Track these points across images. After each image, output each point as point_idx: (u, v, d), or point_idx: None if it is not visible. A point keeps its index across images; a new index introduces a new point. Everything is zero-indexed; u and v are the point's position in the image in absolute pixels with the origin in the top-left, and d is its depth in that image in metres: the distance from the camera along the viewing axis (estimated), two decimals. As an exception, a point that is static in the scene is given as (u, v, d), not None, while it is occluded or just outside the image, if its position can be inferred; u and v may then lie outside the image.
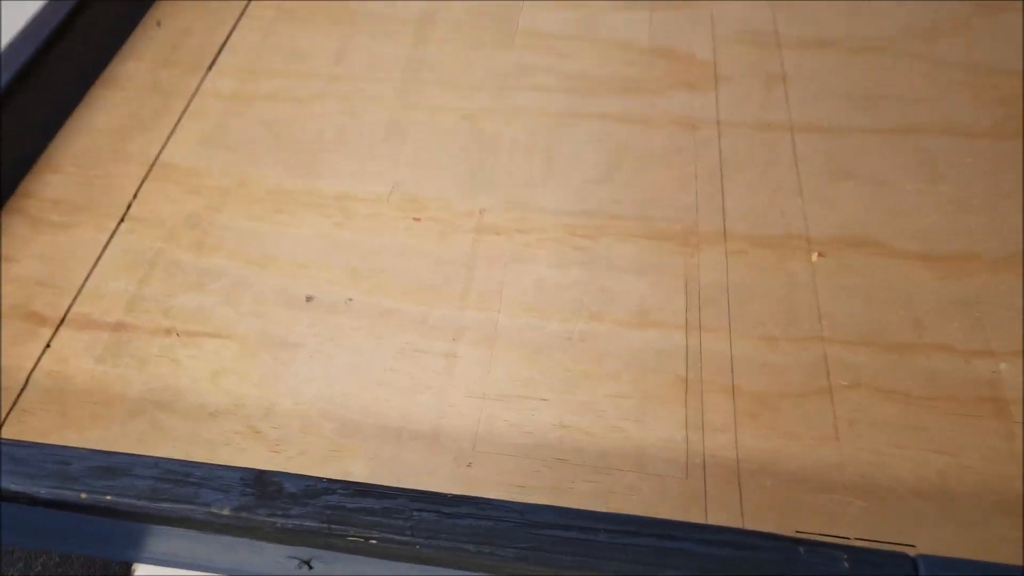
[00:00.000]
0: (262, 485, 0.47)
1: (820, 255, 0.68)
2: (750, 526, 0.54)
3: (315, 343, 0.62)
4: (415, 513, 0.46)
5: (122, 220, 0.70)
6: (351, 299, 0.65)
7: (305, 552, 0.49)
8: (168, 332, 0.63)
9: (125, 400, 0.59)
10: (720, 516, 0.55)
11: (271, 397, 0.60)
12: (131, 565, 0.54)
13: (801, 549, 0.45)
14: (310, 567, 0.50)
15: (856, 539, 0.54)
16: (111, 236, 0.69)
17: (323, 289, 0.66)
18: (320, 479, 0.48)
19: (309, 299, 0.65)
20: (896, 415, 0.59)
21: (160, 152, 0.75)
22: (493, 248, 0.68)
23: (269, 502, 0.47)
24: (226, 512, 0.46)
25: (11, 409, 0.59)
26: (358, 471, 0.56)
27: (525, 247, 0.69)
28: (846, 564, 0.44)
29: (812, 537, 0.54)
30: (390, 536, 0.45)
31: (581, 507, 0.54)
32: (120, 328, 0.63)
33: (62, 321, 0.64)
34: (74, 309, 0.64)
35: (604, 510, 0.54)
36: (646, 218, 0.71)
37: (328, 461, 0.57)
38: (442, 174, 0.74)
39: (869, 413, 0.59)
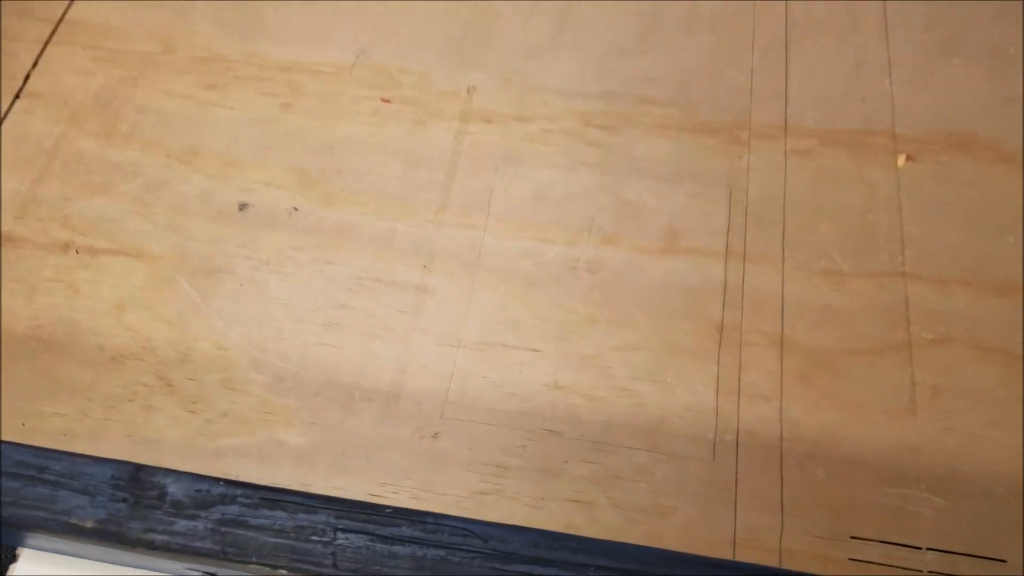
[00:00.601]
0: (138, 487, 0.36)
1: (909, 159, 0.53)
2: (792, 529, 0.42)
3: (247, 268, 0.50)
4: (340, 536, 0.35)
5: (17, 96, 0.57)
6: (296, 209, 0.52)
7: (204, 566, 0.38)
8: (65, 248, 0.51)
9: (10, 339, 0.48)
10: (753, 515, 0.43)
11: (188, 339, 0.48)
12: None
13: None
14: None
15: (929, 550, 0.42)
16: (3, 118, 0.55)
17: (260, 195, 0.52)
18: (216, 481, 0.36)
19: (242, 207, 0.52)
20: (995, 382, 0.46)
21: (69, 5, 0.60)
22: (482, 142, 0.54)
23: (146, 513, 0.36)
24: (89, 525, 0.35)
25: None
26: (293, 442, 0.45)
27: (524, 141, 0.54)
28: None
29: (873, 544, 0.42)
30: (305, 567, 0.34)
31: (574, 495, 0.43)
32: (7, 242, 0.51)
33: (-65, 230, 0.52)
34: (-49, 214, 0.52)
35: (604, 499, 0.43)
36: (685, 104, 0.55)
37: (256, 427, 0.45)
38: (422, 38, 0.58)
39: (959, 379, 0.46)
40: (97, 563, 0.43)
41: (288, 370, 0.47)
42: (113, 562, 0.43)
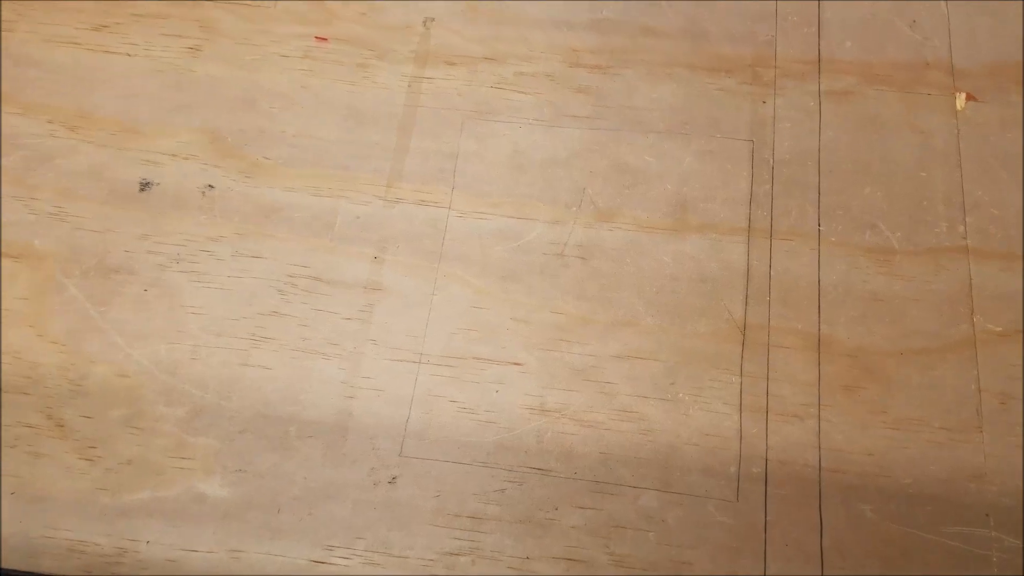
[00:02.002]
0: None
1: (970, 98, 0.41)
2: (836, 584, 0.33)
3: (152, 266, 0.38)
4: None
5: None
6: (211, 187, 0.40)
7: None
8: (-74, 246, 0.39)
9: None
10: (787, 566, 0.34)
11: (82, 364, 0.37)
12: None
13: None
14: None
15: (1001, 604, 0.33)
16: None
17: (166, 169, 0.40)
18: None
19: (144, 186, 0.40)
20: (1080, 388, 0.36)
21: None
22: (444, 91, 0.42)
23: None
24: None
25: None
26: (216, 494, 0.35)
27: (496, 89, 0.42)
28: None
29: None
30: None
31: (567, 551, 0.34)
32: None
33: None
34: None
35: (604, 555, 0.33)
36: (696, 34, 0.43)
37: (169, 477, 0.35)
38: (366, -44, 0.45)
39: (1035, 383, 0.36)
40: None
41: (207, 401, 0.36)
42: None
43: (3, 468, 0.35)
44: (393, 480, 0.35)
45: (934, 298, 0.38)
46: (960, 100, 0.41)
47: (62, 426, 0.36)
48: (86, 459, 0.35)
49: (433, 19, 0.43)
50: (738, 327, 0.37)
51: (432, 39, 0.43)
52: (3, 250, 0.39)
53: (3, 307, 0.38)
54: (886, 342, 0.37)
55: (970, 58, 0.42)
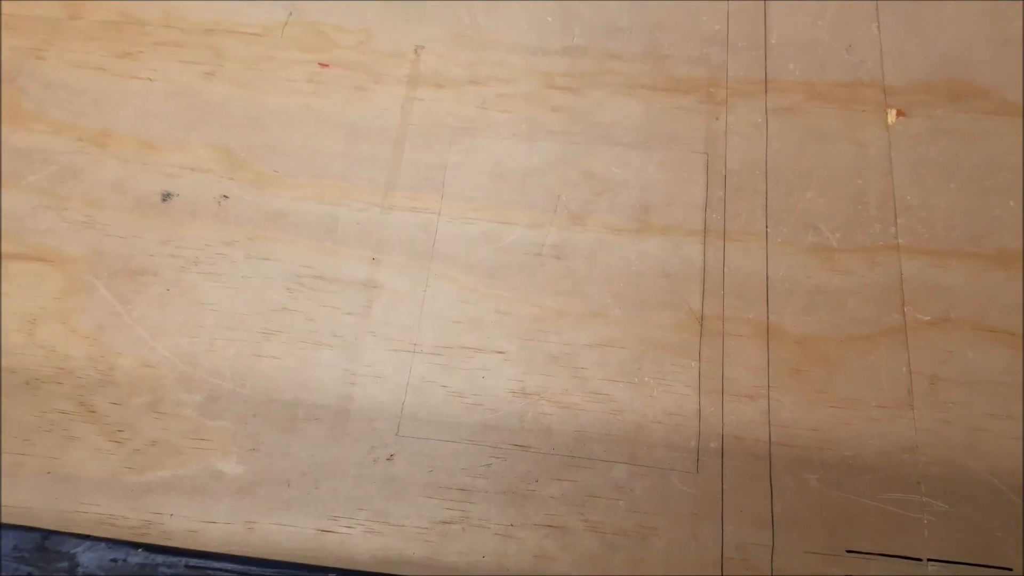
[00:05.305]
0: (45, 559, 0.27)
1: (900, 114, 0.42)
2: (784, 545, 0.34)
3: (173, 268, 0.38)
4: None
5: (-94, 71, 0.43)
6: (226, 196, 0.40)
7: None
8: (-33, 251, 0.39)
9: (-94, 359, 0.37)
10: (742, 531, 0.34)
11: (110, 356, 0.37)
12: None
13: None
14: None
15: (931, 560, 0.34)
16: None
17: (185, 181, 0.40)
18: (134, 548, 0.26)
19: (166, 197, 0.40)
20: (997, 368, 0.37)
21: (-39, -41, 0.46)
22: (433, 110, 0.42)
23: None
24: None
25: None
26: (231, 471, 0.35)
27: (479, 108, 0.42)
28: None
29: (871, 558, 0.33)
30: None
31: (546, 519, 0.34)
32: (-100, 245, 0.39)
33: None
34: None
35: (579, 522, 0.33)
36: (656, 56, 0.43)
37: (188, 456, 0.35)
38: (363, -9, 0.45)
39: (959, 365, 0.37)
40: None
41: (222, 388, 0.36)
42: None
43: (40, 451, 0.35)
44: (391, 457, 0.35)
45: (870, 291, 0.38)
46: (891, 116, 0.42)
47: (93, 412, 0.36)
48: (114, 441, 0.35)
49: (423, 47, 0.43)
50: (696, 318, 0.38)
51: (422, 65, 0.43)
52: (38, 254, 0.39)
53: (38, 306, 0.38)
54: (828, 330, 0.37)
55: (900, 78, 0.42)
